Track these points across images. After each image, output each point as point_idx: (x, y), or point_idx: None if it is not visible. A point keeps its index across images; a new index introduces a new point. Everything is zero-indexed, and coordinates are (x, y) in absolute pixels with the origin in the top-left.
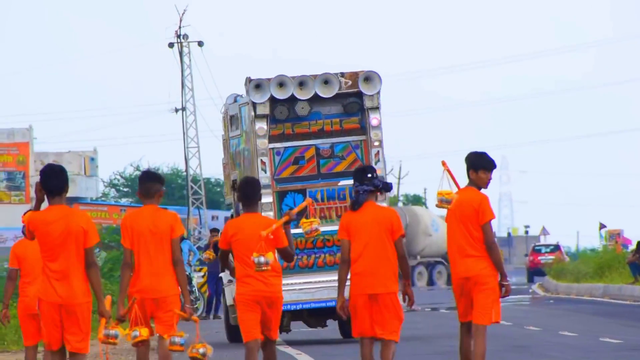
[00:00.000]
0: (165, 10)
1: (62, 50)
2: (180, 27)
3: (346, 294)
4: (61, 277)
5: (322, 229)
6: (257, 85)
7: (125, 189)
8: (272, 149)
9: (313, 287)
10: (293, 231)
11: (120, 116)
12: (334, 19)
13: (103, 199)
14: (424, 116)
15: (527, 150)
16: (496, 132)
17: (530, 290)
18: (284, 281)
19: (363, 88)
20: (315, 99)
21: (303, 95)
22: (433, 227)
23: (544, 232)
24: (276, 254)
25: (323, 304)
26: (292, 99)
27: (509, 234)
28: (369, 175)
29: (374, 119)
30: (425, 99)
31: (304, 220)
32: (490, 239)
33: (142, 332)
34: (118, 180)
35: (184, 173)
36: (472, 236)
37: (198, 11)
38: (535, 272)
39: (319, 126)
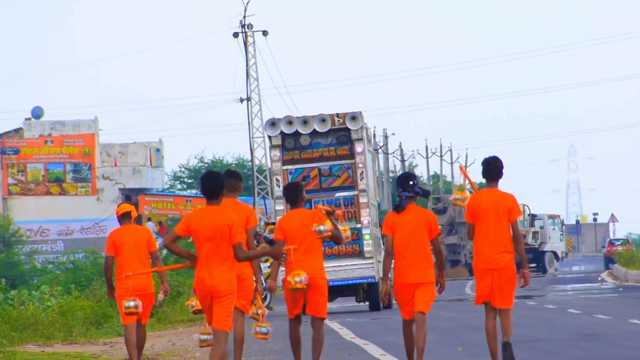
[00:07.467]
0: (230, 0)
1: (128, 42)
2: (245, 17)
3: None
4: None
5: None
6: (272, 123)
7: (189, 180)
8: (286, 169)
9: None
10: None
11: (185, 106)
12: (396, 14)
13: (171, 189)
14: (490, 104)
15: (594, 137)
16: (563, 119)
17: (600, 278)
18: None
19: (349, 124)
20: (315, 132)
21: (305, 130)
22: None
23: (612, 219)
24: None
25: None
26: (298, 133)
27: (577, 221)
28: (411, 182)
29: (358, 147)
30: (488, 86)
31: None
32: (519, 232)
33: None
34: (183, 173)
35: (250, 163)
36: (503, 232)
37: (263, 0)
38: (610, 260)
39: (319, 153)
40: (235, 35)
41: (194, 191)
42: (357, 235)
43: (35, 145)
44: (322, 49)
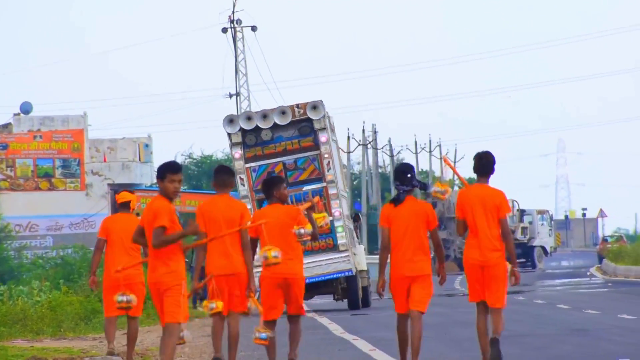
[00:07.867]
0: None
1: (116, 38)
2: (233, 12)
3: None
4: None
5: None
6: (231, 120)
7: None
8: (249, 167)
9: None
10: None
11: (174, 102)
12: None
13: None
14: (479, 99)
15: (583, 132)
16: (553, 114)
17: (589, 273)
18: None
19: (311, 114)
20: (276, 126)
21: (265, 124)
22: None
23: (602, 214)
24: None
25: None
26: (258, 128)
27: (566, 216)
28: (408, 175)
29: (322, 137)
30: (477, 82)
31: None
32: (508, 230)
33: (218, 305)
34: None
35: None
36: (491, 228)
37: None
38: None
39: (282, 147)
40: (224, 30)
41: (183, 187)
42: (329, 229)
43: (24, 141)
44: (311, 44)
